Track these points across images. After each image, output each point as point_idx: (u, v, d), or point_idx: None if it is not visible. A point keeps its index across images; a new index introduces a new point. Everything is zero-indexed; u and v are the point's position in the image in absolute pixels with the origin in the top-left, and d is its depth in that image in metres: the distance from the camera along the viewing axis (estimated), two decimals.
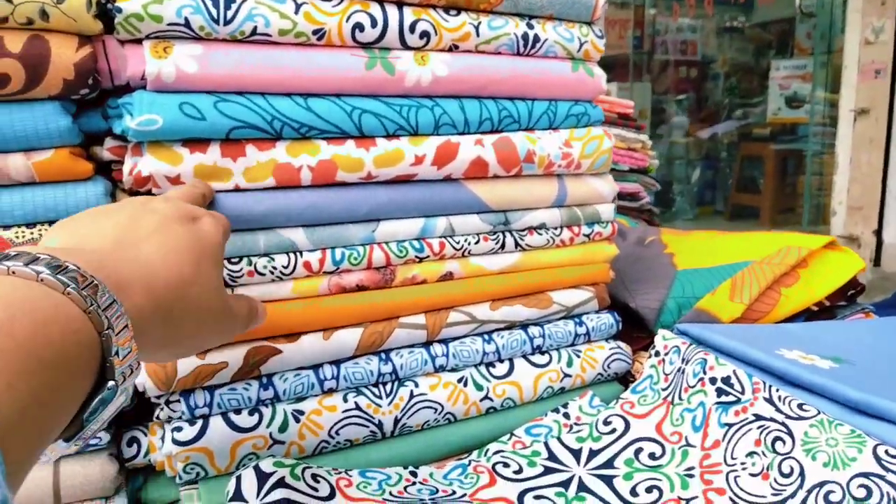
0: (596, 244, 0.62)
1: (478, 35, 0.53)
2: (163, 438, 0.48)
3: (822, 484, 0.42)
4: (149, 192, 0.47)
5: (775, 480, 0.44)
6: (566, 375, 0.60)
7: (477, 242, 0.56)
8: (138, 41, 0.44)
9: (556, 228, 0.60)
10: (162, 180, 0.45)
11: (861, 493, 0.40)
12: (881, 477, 0.40)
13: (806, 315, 0.69)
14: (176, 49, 0.44)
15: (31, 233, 0.43)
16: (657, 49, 4.71)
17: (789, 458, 0.44)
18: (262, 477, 0.44)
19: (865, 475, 0.41)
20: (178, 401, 0.48)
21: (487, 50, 0.54)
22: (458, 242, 0.56)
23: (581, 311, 0.62)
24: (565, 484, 0.50)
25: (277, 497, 0.42)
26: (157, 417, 0.48)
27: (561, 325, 0.60)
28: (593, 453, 0.52)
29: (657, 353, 0.56)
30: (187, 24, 0.44)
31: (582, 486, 0.49)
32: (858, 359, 0.53)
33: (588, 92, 0.59)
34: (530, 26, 0.55)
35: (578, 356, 0.61)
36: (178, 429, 0.47)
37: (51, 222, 0.44)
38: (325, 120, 0.49)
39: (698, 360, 0.52)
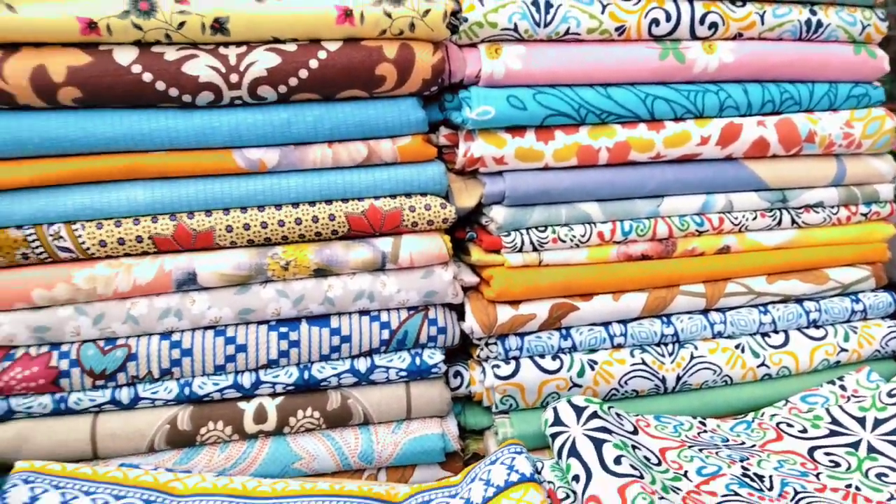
0: (873, 223, 0.63)
1: (762, 23, 0.57)
2: (483, 373, 0.57)
3: None
4: (476, 172, 0.57)
5: None
6: (842, 350, 0.61)
7: (755, 219, 0.60)
8: (473, 45, 0.55)
9: (833, 207, 0.61)
10: (489, 161, 0.55)
11: None
12: None
13: None
14: (504, 50, 0.54)
15: (394, 203, 0.55)
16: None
17: None
18: (576, 409, 0.51)
19: None
20: (496, 343, 0.57)
21: (770, 37, 0.58)
22: (736, 218, 0.60)
23: (857, 288, 0.62)
24: (854, 445, 0.52)
25: (596, 425, 0.49)
26: (477, 356, 0.58)
27: (837, 302, 0.62)
28: (879, 421, 0.53)
29: None
30: (515, 28, 0.53)
31: (872, 449, 0.51)
32: None
33: (870, 73, 0.60)
34: (813, 12, 0.58)
35: (855, 332, 0.62)
36: (497, 366, 0.57)
37: (407, 195, 0.55)
38: (622, 106, 0.56)
39: None
